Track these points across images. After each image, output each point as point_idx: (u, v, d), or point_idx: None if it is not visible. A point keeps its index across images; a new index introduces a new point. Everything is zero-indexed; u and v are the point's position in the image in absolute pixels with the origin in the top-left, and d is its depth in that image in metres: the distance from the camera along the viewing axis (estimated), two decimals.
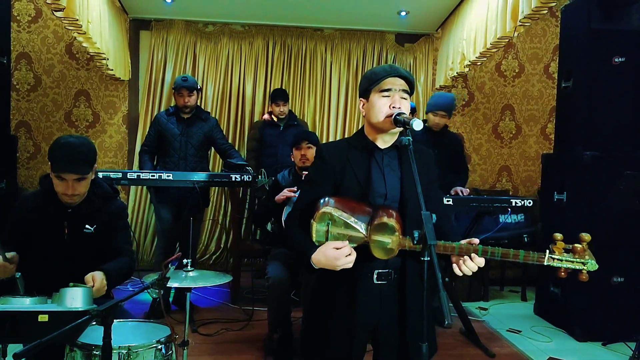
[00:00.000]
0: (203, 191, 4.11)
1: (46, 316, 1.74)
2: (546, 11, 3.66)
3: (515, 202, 3.65)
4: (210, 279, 2.49)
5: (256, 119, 5.55)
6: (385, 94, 1.77)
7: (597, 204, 3.77)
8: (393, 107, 1.75)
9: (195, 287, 2.49)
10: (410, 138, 1.65)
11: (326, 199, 1.72)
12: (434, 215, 1.71)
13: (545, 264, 1.65)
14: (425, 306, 1.57)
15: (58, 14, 3.49)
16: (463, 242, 1.69)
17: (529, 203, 3.65)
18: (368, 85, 1.82)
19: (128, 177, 3.72)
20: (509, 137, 5.89)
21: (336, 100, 5.70)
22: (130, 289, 4.49)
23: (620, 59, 3.91)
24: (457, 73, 5.01)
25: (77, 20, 3.60)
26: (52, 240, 2.27)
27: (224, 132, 4.87)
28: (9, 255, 2.11)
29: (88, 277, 2.06)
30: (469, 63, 4.68)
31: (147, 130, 4.50)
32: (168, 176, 3.76)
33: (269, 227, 4.37)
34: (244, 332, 3.75)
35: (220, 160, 4.87)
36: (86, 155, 2.21)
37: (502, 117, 5.87)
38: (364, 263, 1.73)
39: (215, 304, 4.42)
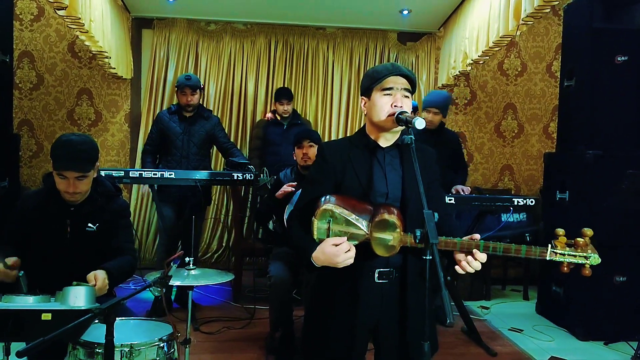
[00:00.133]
0: (205, 189, 4.11)
1: (49, 314, 1.75)
2: (549, 10, 3.65)
3: (518, 201, 3.65)
4: (212, 277, 2.49)
5: (258, 117, 5.55)
6: (387, 92, 1.77)
7: (600, 203, 3.77)
8: (395, 106, 1.75)
9: (197, 286, 2.50)
10: (412, 137, 1.65)
11: (327, 196, 1.72)
12: (435, 214, 1.70)
13: (547, 258, 1.64)
14: (428, 305, 1.57)
15: (60, 12, 3.50)
16: (464, 238, 1.68)
17: (531, 202, 3.65)
18: (370, 84, 1.81)
19: (130, 175, 3.73)
20: (511, 136, 5.88)
21: (338, 99, 5.70)
22: (133, 287, 4.51)
23: (622, 58, 3.90)
24: (459, 72, 5.00)
25: (80, 18, 3.61)
26: (55, 239, 2.28)
27: (226, 131, 4.87)
28: (10, 261, 2.10)
29: (90, 276, 2.06)
30: (472, 62, 4.67)
31: (150, 129, 4.51)
32: (170, 175, 3.77)
33: (270, 225, 4.37)
34: (245, 331, 3.75)
35: (222, 158, 4.87)
36: (88, 153, 2.22)
37: (505, 116, 5.86)
38: (365, 262, 1.73)
39: (217, 303, 4.43)
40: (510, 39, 4.16)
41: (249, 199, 5.08)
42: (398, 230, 1.66)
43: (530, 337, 3.90)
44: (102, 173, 3.06)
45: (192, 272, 2.49)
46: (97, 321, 1.63)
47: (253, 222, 5.12)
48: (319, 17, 5.51)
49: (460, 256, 1.68)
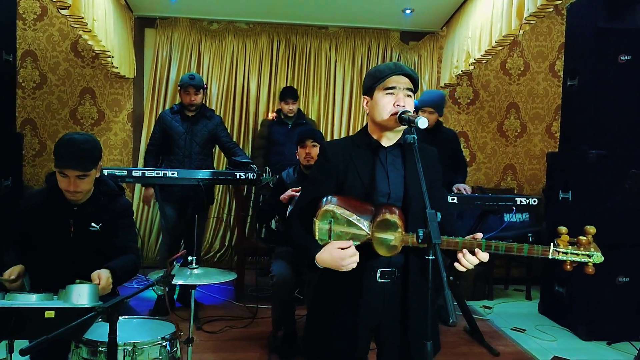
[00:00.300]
0: (208, 189, 4.12)
1: (52, 312, 1.75)
2: (552, 9, 3.64)
3: (520, 201, 3.64)
4: (215, 276, 2.49)
5: (260, 117, 5.56)
6: (390, 91, 1.77)
7: (602, 203, 3.76)
8: (397, 105, 1.75)
9: (199, 285, 2.50)
10: (415, 136, 1.65)
11: (329, 197, 1.72)
12: (438, 214, 1.70)
13: (550, 257, 1.64)
14: (430, 304, 1.57)
15: (63, 11, 3.51)
16: (467, 237, 1.68)
17: (534, 202, 3.64)
18: (372, 83, 1.81)
19: (133, 174, 3.74)
20: (514, 135, 5.87)
21: (340, 98, 5.70)
22: (136, 286, 4.51)
23: (626, 57, 3.89)
24: (462, 71, 5.00)
25: (83, 18, 3.61)
26: (58, 238, 2.28)
27: (229, 130, 4.88)
28: (13, 274, 2.11)
29: (94, 275, 2.06)
30: (474, 61, 4.66)
31: (152, 128, 4.52)
32: (173, 174, 3.78)
33: (273, 225, 4.38)
34: (248, 330, 3.76)
35: (225, 158, 4.88)
36: (90, 152, 2.22)
37: (507, 115, 5.85)
38: (367, 262, 1.73)
39: (219, 302, 4.43)
40: (513, 38, 4.15)
41: (252, 198, 5.08)
42: (400, 230, 1.66)
43: (532, 336, 3.89)
44: (105, 172, 3.06)
45: (195, 271, 2.49)
46: (100, 320, 1.64)
47: (255, 221, 5.13)
48: (321, 16, 5.51)
49: (459, 254, 1.68)
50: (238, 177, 3.91)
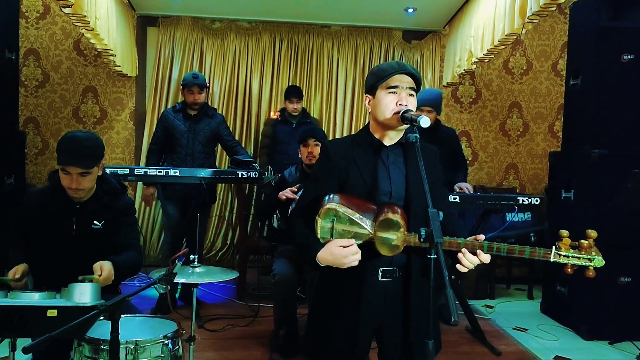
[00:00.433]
0: (210, 187, 4.12)
1: (55, 311, 1.76)
2: (554, 8, 3.63)
3: (523, 200, 3.64)
4: (217, 275, 2.49)
5: (263, 115, 5.56)
6: (392, 90, 1.76)
7: (605, 203, 3.76)
8: (400, 104, 1.74)
9: (201, 283, 2.50)
10: (417, 135, 1.65)
11: (331, 195, 1.72)
12: (440, 213, 1.70)
13: (551, 260, 1.64)
14: (432, 304, 1.57)
15: (66, 10, 3.51)
16: (469, 238, 1.68)
17: (536, 201, 3.64)
18: (375, 82, 1.81)
19: (135, 173, 3.75)
20: (516, 134, 5.86)
21: (343, 97, 5.70)
22: (138, 284, 4.52)
23: (629, 57, 3.88)
24: (464, 70, 4.99)
25: (85, 16, 3.62)
26: (61, 236, 2.28)
27: (231, 129, 4.88)
28: (18, 273, 2.11)
29: (96, 266, 2.07)
30: (477, 60, 4.65)
31: (155, 127, 4.52)
32: (175, 172, 3.78)
33: (275, 224, 4.38)
34: (249, 328, 3.76)
35: (227, 156, 4.88)
36: (92, 150, 2.22)
37: (510, 114, 5.85)
38: (369, 260, 1.73)
39: (221, 300, 4.44)
40: (515, 37, 4.14)
41: (254, 197, 5.09)
42: (402, 230, 1.66)
43: (534, 336, 3.89)
44: (107, 171, 3.06)
45: (197, 269, 2.49)
46: (102, 318, 1.64)
47: (255, 219, 5.13)
48: (323, 15, 5.51)
49: (460, 254, 1.68)
50: (240, 175, 3.92)
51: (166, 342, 1.91)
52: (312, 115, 5.55)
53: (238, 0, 5.18)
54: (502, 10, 4.03)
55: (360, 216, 1.68)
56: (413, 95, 1.79)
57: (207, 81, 4.31)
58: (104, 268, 2.07)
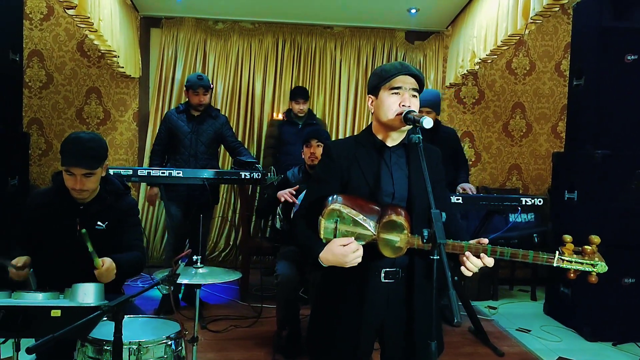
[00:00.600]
0: (213, 188, 4.12)
1: (59, 311, 1.76)
2: (558, 8, 3.62)
3: (526, 201, 3.62)
4: (220, 275, 2.50)
5: (266, 116, 5.57)
6: (395, 91, 1.76)
7: (608, 203, 3.75)
8: (403, 105, 1.74)
9: (204, 284, 2.51)
10: (420, 136, 1.65)
11: (335, 196, 1.72)
12: (443, 214, 1.70)
13: (554, 265, 1.64)
14: (434, 305, 1.57)
15: (70, 11, 3.52)
16: (472, 241, 1.68)
17: (540, 202, 3.62)
18: (378, 83, 1.81)
19: (139, 174, 3.75)
20: (519, 135, 5.85)
21: (345, 98, 5.70)
22: (141, 285, 4.53)
23: (632, 57, 3.88)
24: (467, 71, 4.98)
25: (89, 18, 3.63)
26: (64, 237, 2.29)
27: (234, 130, 4.88)
28: (20, 261, 2.11)
29: (98, 260, 2.07)
30: (480, 61, 4.65)
31: (158, 128, 4.53)
32: (178, 173, 3.79)
33: (278, 224, 4.38)
34: (252, 329, 3.76)
35: (230, 157, 4.89)
36: (96, 150, 2.23)
37: (513, 115, 5.84)
38: (371, 262, 1.73)
39: (224, 301, 4.45)
40: (518, 37, 4.13)
41: (257, 198, 5.09)
42: (405, 231, 1.66)
43: (537, 337, 3.88)
44: (111, 172, 3.07)
45: (200, 270, 2.50)
46: (105, 318, 1.64)
47: (260, 220, 5.13)
48: (326, 16, 5.51)
49: (463, 257, 1.67)
50: (243, 176, 3.92)
51: (169, 342, 1.91)
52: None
53: (241, 2, 5.19)
54: (505, 11, 4.03)
55: (364, 217, 1.68)
56: (416, 96, 1.79)
57: (210, 82, 4.32)
58: (105, 261, 2.08)
